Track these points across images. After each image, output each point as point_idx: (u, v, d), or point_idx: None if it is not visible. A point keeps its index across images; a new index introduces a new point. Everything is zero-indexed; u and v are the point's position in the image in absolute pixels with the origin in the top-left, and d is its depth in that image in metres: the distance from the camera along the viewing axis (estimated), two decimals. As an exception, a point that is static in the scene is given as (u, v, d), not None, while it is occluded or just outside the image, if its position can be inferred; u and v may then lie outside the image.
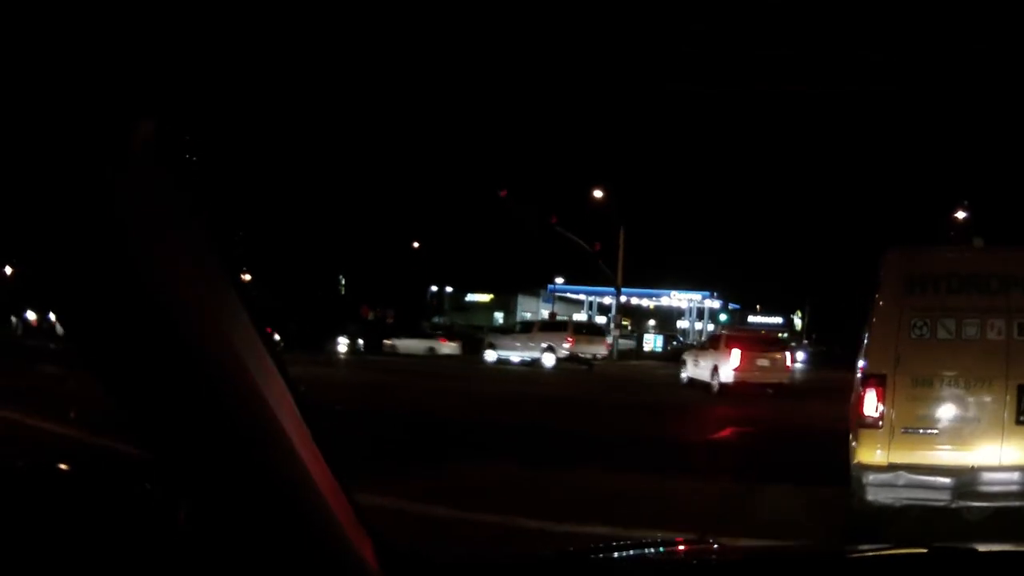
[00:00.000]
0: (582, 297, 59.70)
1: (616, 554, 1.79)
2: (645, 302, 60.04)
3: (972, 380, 5.75)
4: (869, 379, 5.92)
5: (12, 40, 0.71)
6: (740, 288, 62.34)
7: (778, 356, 23.20)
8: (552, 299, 60.92)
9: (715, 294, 56.67)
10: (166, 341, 0.86)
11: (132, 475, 1.21)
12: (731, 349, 22.39)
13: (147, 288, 0.84)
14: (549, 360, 31.78)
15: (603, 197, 39.01)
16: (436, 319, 54.18)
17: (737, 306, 64.49)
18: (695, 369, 24.36)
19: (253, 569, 1.02)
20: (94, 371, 0.88)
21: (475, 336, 39.03)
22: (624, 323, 60.81)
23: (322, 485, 1.03)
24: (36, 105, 0.73)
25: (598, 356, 32.77)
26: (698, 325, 58.05)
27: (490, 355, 33.59)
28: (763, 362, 22.53)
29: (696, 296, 57.42)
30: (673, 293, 57.99)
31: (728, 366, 22.12)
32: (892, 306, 5.97)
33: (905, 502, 5.85)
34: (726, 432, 13.17)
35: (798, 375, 28.35)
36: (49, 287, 0.85)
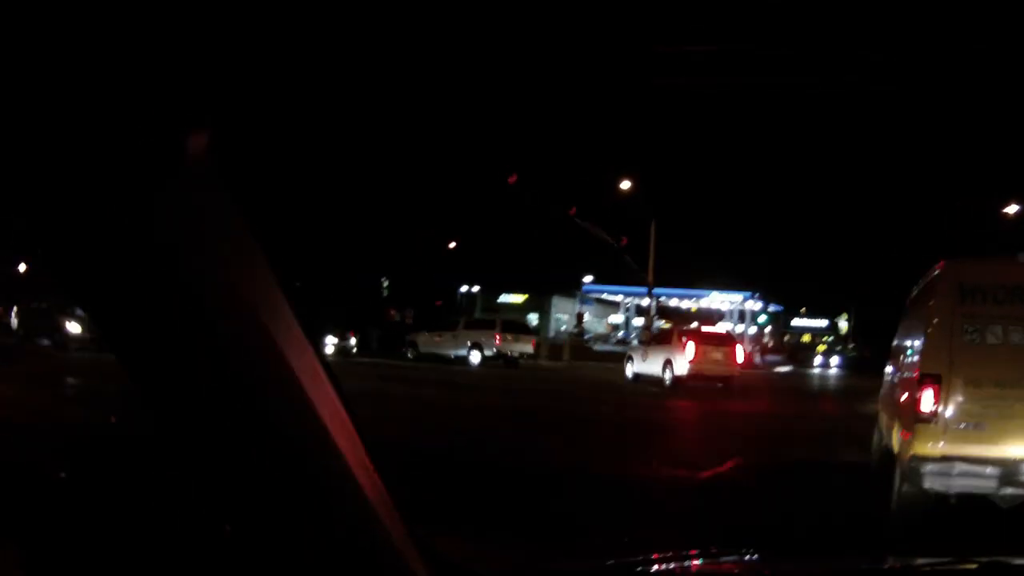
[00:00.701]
0: (619, 298, 59.96)
1: (671, 566, 1.78)
2: (685, 304, 60.19)
3: (1016, 382, 6.75)
4: (926, 379, 6.93)
5: (64, 50, 0.72)
6: (784, 290, 62.40)
7: (729, 351, 24.99)
8: (591, 301, 61.50)
9: (757, 295, 56.57)
10: (216, 351, 0.89)
11: (176, 486, 1.19)
12: (686, 343, 24.14)
13: (198, 297, 0.86)
14: (475, 358, 32.85)
15: (632, 189, 39.01)
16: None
17: (780, 308, 64.65)
18: (642, 364, 26.15)
19: None
20: (138, 381, 0.90)
21: None
22: (665, 325, 60.94)
23: (371, 494, 1.05)
24: (89, 114, 0.75)
25: (524, 354, 33.85)
26: (739, 328, 58.18)
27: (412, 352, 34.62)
28: (716, 356, 24.32)
29: (737, 297, 57.39)
30: (713, 294, 58.02)
31: (683, 360, 23.85)
32: (947, 313, 6.98)
33: (957, 489, 6.84)
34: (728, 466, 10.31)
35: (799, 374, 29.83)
36: (96, 296, 0.87)
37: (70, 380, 17.90)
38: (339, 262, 45.58)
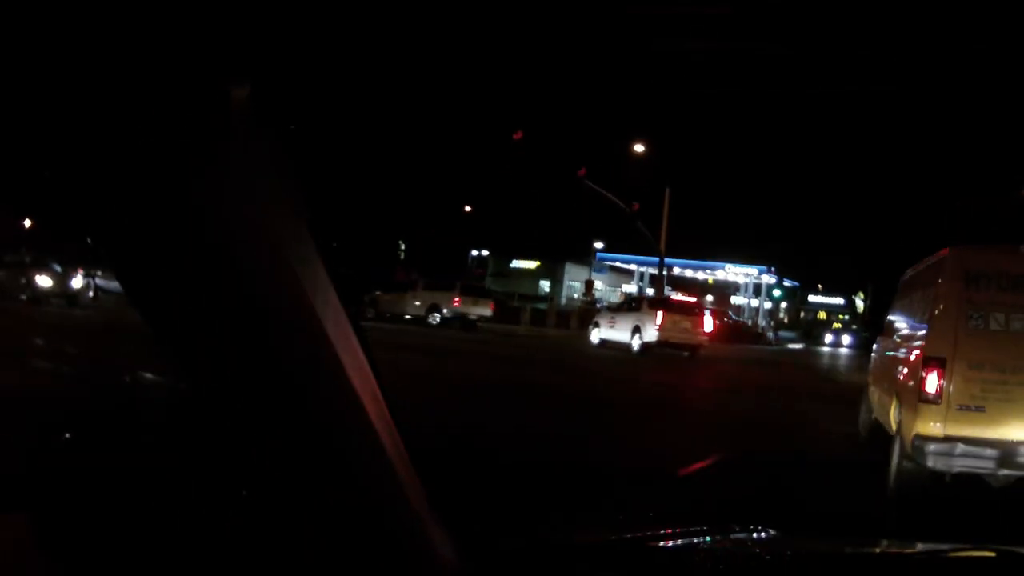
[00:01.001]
0: (633, 267, 60.22)
1: (696, 540, 1.78)
2: (700, 275, 60.36)
3: (1016, 367, 7.12)
4: (931, 361, 7.28)
5: (110, 5, 0.71)
6: (801, 265, 62.41)
7: (697, 320, 26.61)
8: (605, 269, 61.75)
9: (772, 269, 56.64)
10: (251, 307, 0.88)
11: (196, 451, 1.18)
12: (655, 311, 25.87)
13: (236, 252, 0.85)
14: (433, 319, 33.49)
15: (646, 154, 39.10)
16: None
17: (796, 284, 64.82)
18: (610, 331, 27.59)
19: (321, 553, 1.04)
20: (167, 339, 0.90)
21: (507, 303, 40.45)
22: (681, 297, 60.91)
23: (395, 461, 1.05)
24: (133, 68, 0.73)
25: (482, 317, 34.62)
26: (754, 302, 58.25)
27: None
28: (684, 324, 25.84)
29: (752, 270, 57.48)
30: (728, 266, 58.15)
31: (651, 326, 25.22)
32: (953, 299, 7.32)
33: (958, 469, 7.22)
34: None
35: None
36: (129, 251, 0.86)
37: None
38: (357, 222, 45.85)
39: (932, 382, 7.24)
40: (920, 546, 1.93)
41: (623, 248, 54.13)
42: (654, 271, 53.92)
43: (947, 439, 7.16)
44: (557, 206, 48.77)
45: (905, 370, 8.01)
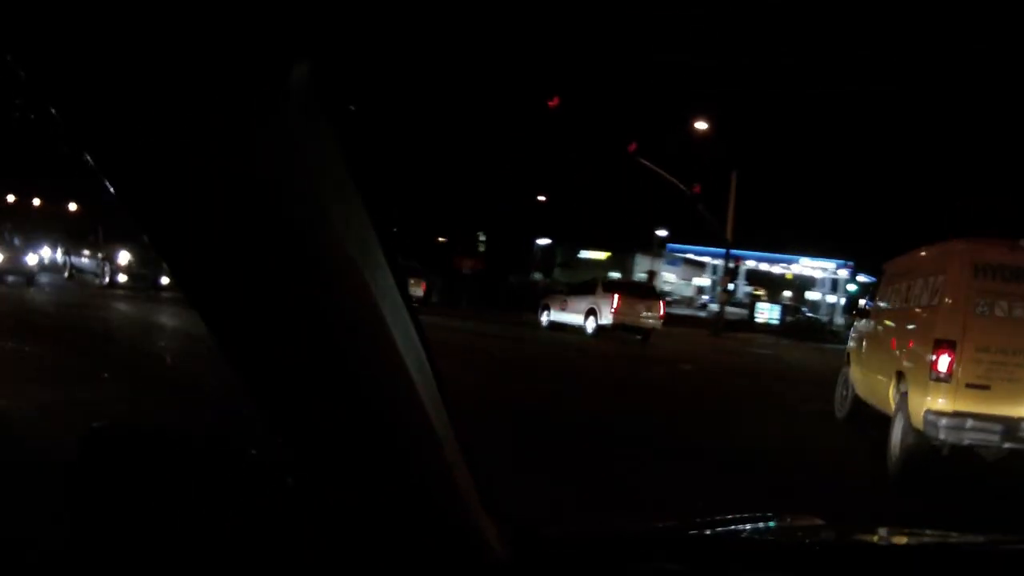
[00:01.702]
0: (707, 260, 60.36)
1: (745, 528, 1.80)
2: (777, 269, 60.26)
3: (1017, 350, 8.23)
4: (943, 344, 8.41)
5: None
6: (881, 259, 61.69)
7: (652, 304, 27.40)
8: (678, 261, 62.14)
9: (850, 264, 56.11)
10: (306, 293, 0.88)
11: (236, 437, 1.19)
12: (611, 294, 26.60)
13: (292, 236, 0.85)
14: None
15: (709, 134, 37.72)
16: (536, 275, 55.74)
17: (873, 279, 64.31)
18: (561, 314, 28.42)
19: (366, 541, 1.08)
20: (217, 328, 0.91)
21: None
22: (758, 292, 60.71)
23: (447, 449, 1.08)
24: (186, 44, 0.73)
25: (416, 298, 33.89)
26: (831, 298, 57.76)
27: None
28: (639, 308, 26.74)
29: (829, 264, 57.13)
30: (803, 260, 57.82)
31: (607, 309, 26.24)
32: (962, 287, 8.45)
33: (968, 441, 8.34)
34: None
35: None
36: (182, 235, 0.85)
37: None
38: (429, 211, 47.15)
39: (944, 362, 8.36)
40: (970, 537, 1.87)
41: (689, 238, 54.28)
42: (732, 264, 53.63)
43: (957, 414, 8.28)
44: (619, 192, 48.95)
45: (911, 352, 9.12)
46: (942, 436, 8.30)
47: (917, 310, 9.41)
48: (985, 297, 8.38)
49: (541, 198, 57.81)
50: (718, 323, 37.37)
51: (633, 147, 35.50)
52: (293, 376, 0.96)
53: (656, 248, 60.72)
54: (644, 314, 26.74)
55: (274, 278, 0.87)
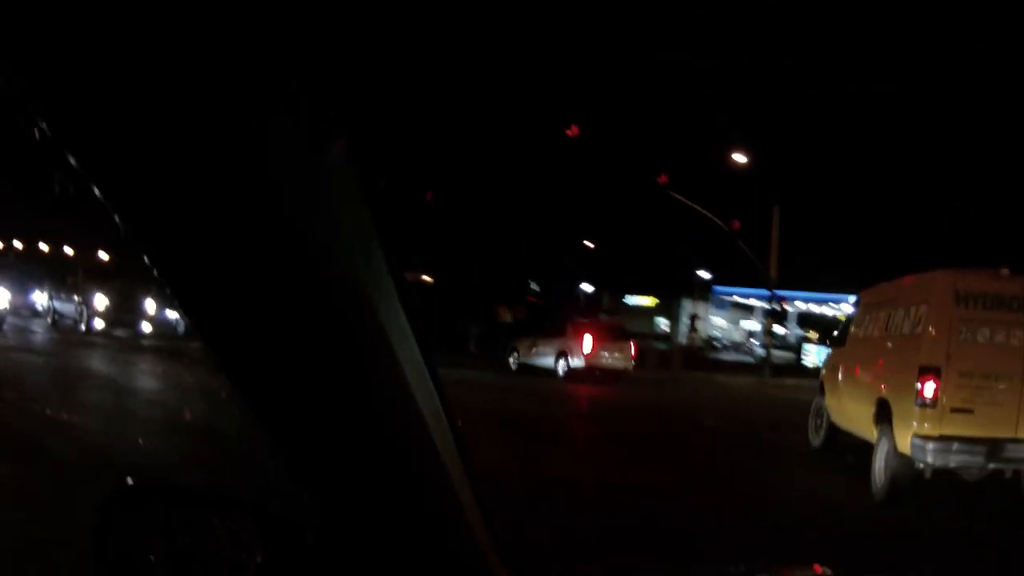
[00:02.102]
0: (754, 302, 60.22)
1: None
2: (826, 310, 59.80)
3: (999, 375, 8.69)
4: (928, 371, 8.89)
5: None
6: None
7: (624, 345, 27.05)
8: (726, 304, 62.00)
9: None
10: (318, 328, 0.88)
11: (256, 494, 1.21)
12: (582, 335, 26.22)
13: (303, 264, 0.84)
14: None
15: (749, 167, 36.31)
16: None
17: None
18: (529, 356, 27.87)
19: None
20: (227, 360, 0.89)
21: None
22: (810, 335, 60.14)
23: (465, 504, 1.08)
24: (202, 52, 0.72)
25: None
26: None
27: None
28: (611, 350, 26.40)
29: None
30: (852, 298, 57.05)
31: (579, 352, 25.93)
32: (944, 315, 8.94)
33: (955, 464, 8.79)
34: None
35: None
36: (198, 273, 0.84)
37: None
38: (476, 259, 47.54)
39: (930, 388, 8.83)
40: None
41: (733, 279, 54.05)
42: (776, 306, 53.22)
43: (943, 438, 8.74)
44: (657, 232, 48.73)
45: (895, 379, 9.60)
46: (929, 459, 8.75)
47: (900, 338, 9.89)
48: (967, 324, 8.87)
49: (589, 244, 58.05)
50: (763, 368, 36.94)
51: (664, 179, 35.38)
52: (307, 423, 0.96)
53: (701, 291, 60.65)
54: (616, 355, 26.51)
55: (291, 324, 0.88)
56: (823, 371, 13.70)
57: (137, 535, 1.22)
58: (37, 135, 0.73)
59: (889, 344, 10.28)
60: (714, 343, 55.17)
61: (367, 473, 1.00)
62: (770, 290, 39.53)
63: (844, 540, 7.20)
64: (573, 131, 32.75)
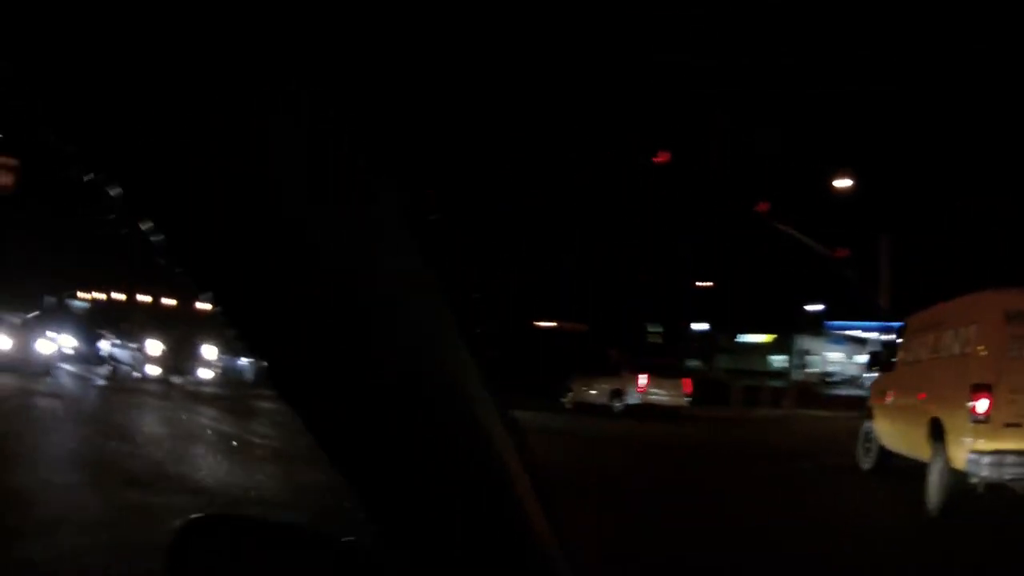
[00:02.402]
0: (870, 335, 59.15)
1: None
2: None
3: None
4: (980, 387, 9.35)
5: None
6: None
7: (678, 382, 27.77)
8: (843, 340, 61.10)
9: None
10: (395, 371, 0.88)
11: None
12: (636, 374, 26.95)
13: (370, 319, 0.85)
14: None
15: (853, 192, 35.34)
16: (693, 362, 55.36)
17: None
18: (586, 393, 28.62)
19: None
20: (295, 398, 0.90)
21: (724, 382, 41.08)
22: None
23: (545, 541, 1.07)
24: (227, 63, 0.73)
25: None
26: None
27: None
28: (665, 386, 27.16)
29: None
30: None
31: (634, 389, 26.72)
32: (995, 334, 9.40)
33: (1009, 476, 9.21)
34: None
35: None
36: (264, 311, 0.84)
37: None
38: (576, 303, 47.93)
39: (983, 405, 9.29)
40: None
41: (847, 313, 53.30)
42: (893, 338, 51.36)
43: (998, 452, 9.17)
44: (763, 266, 48.32)
45: (948, 398, 10.04)
46: (984, 473, 9.19)
47: (950, 358, 10.32)
48: (1017, 342, 9.31)
49: (706, 284, 57.93)
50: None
51: (765, 207, 34.56)
52: (380, 457, 0.95)
53: (813, 326, 59.89)
54: (673, 391, 27.25)
55: (350, 349, 0.87)
56: (870, 396, 14.08)
57: (212, 562, 1.22)
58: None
59: (939, 365, 10.70)
60: (827, 379, 54.23)
61: (436, 509, 0.99)
62: (883, 321, 38.14)
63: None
64: (662, 158, 32.78)
